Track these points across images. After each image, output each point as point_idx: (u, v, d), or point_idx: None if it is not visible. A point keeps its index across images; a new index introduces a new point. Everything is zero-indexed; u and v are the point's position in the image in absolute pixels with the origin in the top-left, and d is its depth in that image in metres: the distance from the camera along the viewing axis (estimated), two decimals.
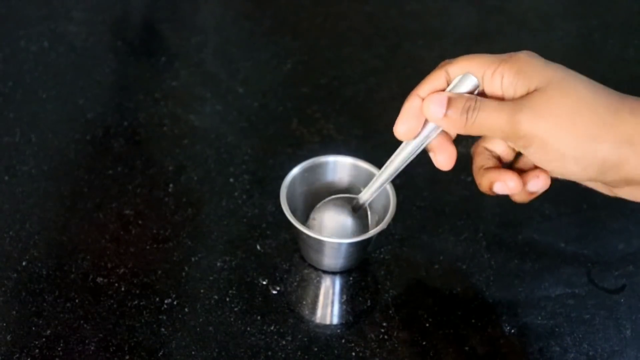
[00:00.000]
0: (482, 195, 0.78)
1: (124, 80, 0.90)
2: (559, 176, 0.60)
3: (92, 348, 0.66)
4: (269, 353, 0.67)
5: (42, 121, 0.84)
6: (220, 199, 0.77)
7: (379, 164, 0.70)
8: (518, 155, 0.64)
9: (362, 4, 1.00)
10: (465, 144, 0.82)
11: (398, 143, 0.64)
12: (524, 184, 0.62)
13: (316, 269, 0.72)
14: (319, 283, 0.72)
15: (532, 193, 0.63)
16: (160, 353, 0.66)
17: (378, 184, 0.67)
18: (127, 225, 0.75)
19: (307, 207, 0.72)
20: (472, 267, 0.73)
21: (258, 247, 0.74)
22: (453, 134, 0.63)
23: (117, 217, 0.75)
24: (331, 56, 0.94)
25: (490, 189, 0.63)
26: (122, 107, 0.86)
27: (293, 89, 0.89)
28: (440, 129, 0.62)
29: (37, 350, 0.66)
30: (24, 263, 0.72)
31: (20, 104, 0.85)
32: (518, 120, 0.57)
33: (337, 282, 0.72)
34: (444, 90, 0.61)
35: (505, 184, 0.62)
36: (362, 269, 0.73)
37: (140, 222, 0.75)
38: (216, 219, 0.76)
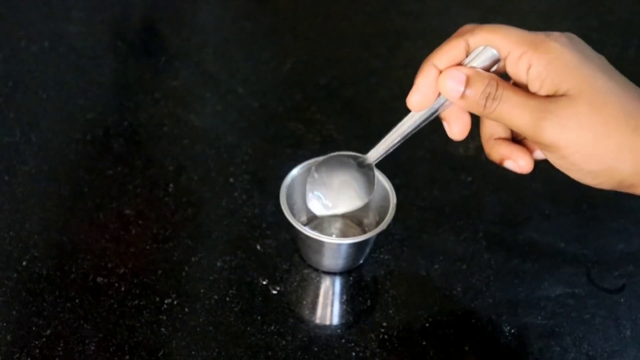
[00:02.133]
0: (482, 195, 0.79)
1: (124, 80, 0.90)
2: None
3: (92, 348, 0.66)
4: (269, 353, 0.67)
5: (42, 121, 0.84)
6: (220, 199, 0.77)
7: (379, 163, 0.70)
8: None
9: (362, 4, 1.00)
10: (465, 147, 0.82)
11: None
12: (531, 151, 0.60)
13: (316, 269, 0.72)
14: (318, 283, 0.72)
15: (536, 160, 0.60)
16: (160, 353, 0.66)
17: (386, 145, 0.63)
18: (127, 225, 0.75)
19: (307, 207, 0.72)
20: (472, 267, 0.73)
21: (258, 247, 0.74)
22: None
23: (117, 217, 0.75)
24: (331, 56, 0.94)
25: (501, 163, 0.60)
26: (122, 107, 0.86)
27: (293, 89, 0.89)
28: None
29: (37, 350, 0.66)
30: (24, 263, 0.72)
31: (20, 104, 0.85)
32: (542, 127, 0.54)
33: (337, 282, 0.72)
34: (461, 61, 0.57)
35: (516, 163, 0.59)
36: (362, 269, 0.73)
37: (140, 222, 0.75)
38: (216, 219, 0.76)
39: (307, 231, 0.68)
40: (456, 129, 0.60)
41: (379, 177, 0.70)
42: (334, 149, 0.67)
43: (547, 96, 0.55)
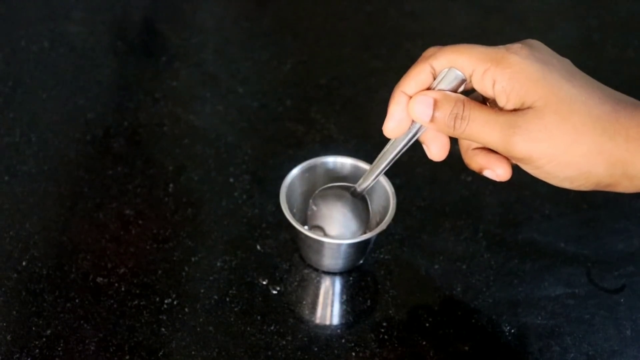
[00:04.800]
0: (482, 195, 0.79)
1: (124, 80, 0.90)
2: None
3: (92, 348, 0.66)
4: (269, 353, 0.67)
5: (42, 121, 0.84)
6: (220, 199, 0.77)
7: None
8: None
9: (362, 4, 1.00)
10: None
11: None
12: (508, 158, 0.60)
13: (316, 269, 0.72)
14: (318, 283, 0.72)
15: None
16: (160, 353, 0.66)
17: (374, 175, 0.65)
18: (127, 225, 0.75)
19: (307, 208, 0.72)
20: (472, 267, 0.73)
21: (258, 247, 0.74)
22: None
23: (117, 217, 0.75)
24: (331, 56, 0.94)
25: (480, 172, 0.61)
26: (122, 107, 0.86)
27: (293, 89, 0.89)
28: None
29: (37, 350, 0.66)
30: (24, 263, 0.72)
31: (20, 104, 0.85)
32: (513, 142, 0.55)
33: (337, 282, 0.72)
34: (429, 85, 0.58)
35: (494, 172, 0.60)
36: (362, 269, 0.73)
37: (140, 222, 0.75)
38: (216, 219, 0.76)
39: (307, 231, 0.68)
40: (435, 150, 0.61)
41: (379, 177, 0.70)
42: (334, 149, 0.68)
43: (515, 110, 0.56)
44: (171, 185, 0.79)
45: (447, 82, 0.58)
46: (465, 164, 0.62)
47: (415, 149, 0.81)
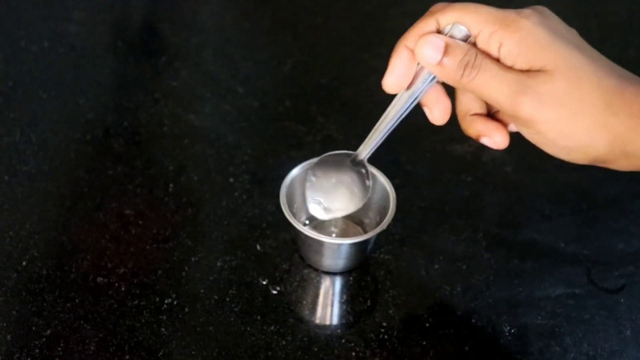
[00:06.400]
0: (482, 195, 0.79)
1: (124, 80, 0.90)
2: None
3: (92, 348, 0.66)
4: (269, 353, 0.67)
5: (42, 121, 0.84)
6: (220, 199, 0.77)
7: (379, 164, 0.70)
8: None
9: (362, 4, 1.00)
10: (465, 147, 0.82)
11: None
12: (506, 125, 0.60)
13: (316, 269, 0.72)
14: (318, 283, 0.72)
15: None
16: (160, 353, 0.66)
17: (375, 139, 0.63)
18: (127, 225, 0.75)
19: (307, 209, 0.72)
20: (472, 267, 0.73)
21: (258, 247, 0.74)
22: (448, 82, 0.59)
23: (117, 217, 0.75)
24: (331, 56, 0.94)
25: (477, 139, 0.60)
26: (122, 107, 0.86)
27: (293, 89, 0.89)
28: (434, 81, 0.58)
29: (37, 350, 0.66)
30: (24, 263, 0.72)
31: (20, 104, 0.85)
32: (520, 102, 0.54)
33: (337, 282, 0.72)
34: None
35: (492, 140, 0.59)
36: (362, 269, 0.73)
37: (140, 222, 0.75)
38: (216, 219, 0.76)
39: (307, 231, 0.68)
40: (437, 112, 0.60)
41: (379, 177, 0.71)
42: (334, 149, 0.67)
43: (525, 71, 0.55)
44: (171, 185, 0.79)
45: (453, 34, 0.56)
46: (462, 130, 0.61)
47: (416, 149, 0.82)
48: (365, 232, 0.72)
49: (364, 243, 0.69)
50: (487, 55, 0.56)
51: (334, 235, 0.74)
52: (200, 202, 0.77)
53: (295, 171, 0.71)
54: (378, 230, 0.68)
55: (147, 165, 0.80)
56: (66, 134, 0.83)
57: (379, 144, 0.63)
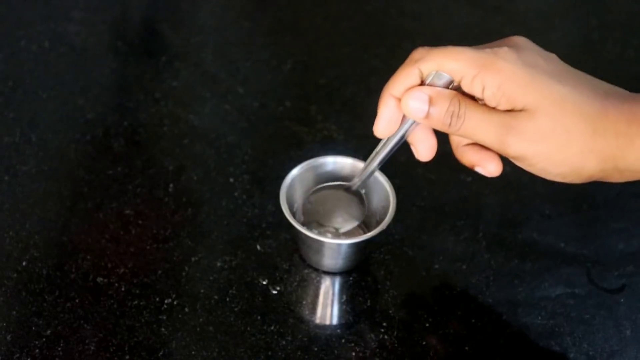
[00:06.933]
0: (482, 195, 0.79)
1: (124, 80, 0.90)
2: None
3: (92, 348, 0.66)
4: (269, 353, 0.67)
5: (42, 121, 0.84)
6: (220, 199, 0.77)
7: None
8: None
9: (362, 4, 1.00)
10: None
11: None
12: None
13: (316, 269, 0.72)
14: (318, 283, 0.72)
15: None
16: (160, 353, 0.66)
17: (367, 172, 0.66)
18: (127, 225, 0.75)
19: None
20: (472, 267, 0.73)
21: (258, 247, 0.74)
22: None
23: (117, 217, 0.75)
24: (331, 56, 0.94)
25: (472, 168, 0.62)
26: (122, 107, 0.86)
27: (293, 89, 0.89)
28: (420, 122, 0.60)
29: (37, 350, 0.66)
30: (24, 263, 0.72)
31: (20, 104, 0.85)
32: (507, 142, 0.56)
33: (337, 282, 0.72)
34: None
35: (485, 169, 0.61)
36: (362, 269, 0.73)
37: (140, 222, 0.75)
38: (216, 219, 0.76)
39: (307, 231, 0.68)
40: (423, 150, 0.62)
41: (379, 177, 0.71)
42: (334, 149, 0.68)
43: (509, 110, 0.57)
44: (171, 185, 0.79)
45: (436, 83, 0.58)
46: (457, 160, 0.63)
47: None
48: (365, 232, 0.72)
49: (364, 243, 0.69)
50: (472, 97, 0.58)
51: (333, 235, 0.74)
52: (200, 202, 0.77)
53: (295, 171, 0.71)
54: (378, 230, 0.68)
55: (147, 165, 0.80)
56: (66, 134, 0.83)
57: (370, 177, 0.67)
